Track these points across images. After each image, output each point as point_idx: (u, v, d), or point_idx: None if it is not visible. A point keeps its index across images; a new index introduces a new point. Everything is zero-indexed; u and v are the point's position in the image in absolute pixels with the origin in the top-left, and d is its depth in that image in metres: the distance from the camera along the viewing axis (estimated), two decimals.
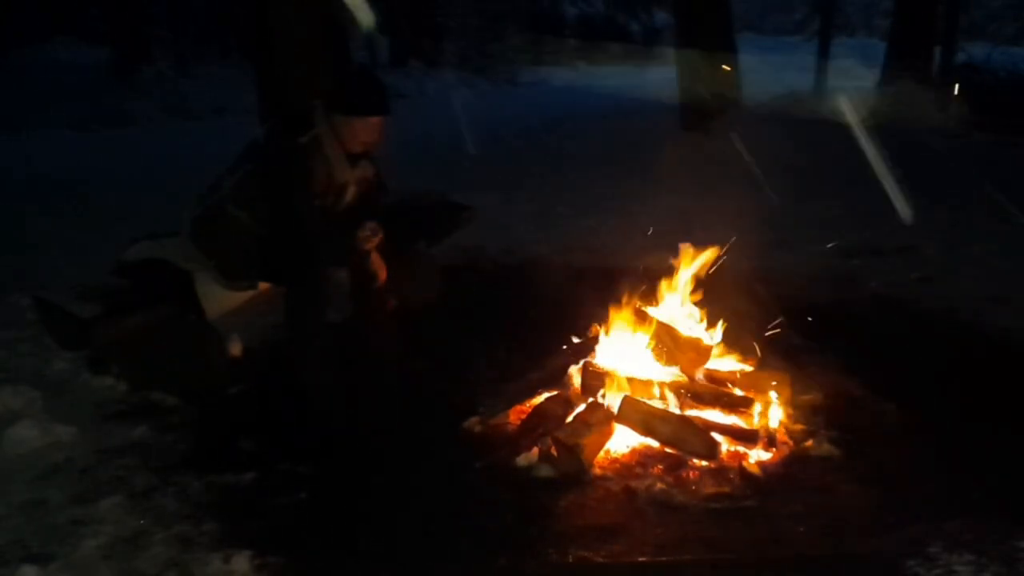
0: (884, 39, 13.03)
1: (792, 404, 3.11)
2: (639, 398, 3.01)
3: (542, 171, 7.45)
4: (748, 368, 3.26)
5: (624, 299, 3.34)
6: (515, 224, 5.87)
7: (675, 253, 3.42)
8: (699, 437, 2.84)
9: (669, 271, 3.41)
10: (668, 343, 3.18)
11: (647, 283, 3.41)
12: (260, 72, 6.20)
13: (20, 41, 15.31)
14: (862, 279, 4.78)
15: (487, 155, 8.42)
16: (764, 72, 12.07)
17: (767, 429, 2.93)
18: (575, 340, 3.39)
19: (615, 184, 7.01)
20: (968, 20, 13.92)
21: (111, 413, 3.27)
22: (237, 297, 3.35)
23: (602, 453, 2.87)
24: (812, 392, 3.22)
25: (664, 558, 2.35)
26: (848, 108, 7.52)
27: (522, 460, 2.85)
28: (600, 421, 2.90)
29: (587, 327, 3.42)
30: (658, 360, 3.21)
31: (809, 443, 2.93)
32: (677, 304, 3.39)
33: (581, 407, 3.02)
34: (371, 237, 3.19)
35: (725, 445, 2.89)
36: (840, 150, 7.93)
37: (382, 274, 3.34)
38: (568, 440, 2.78)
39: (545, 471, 2.79)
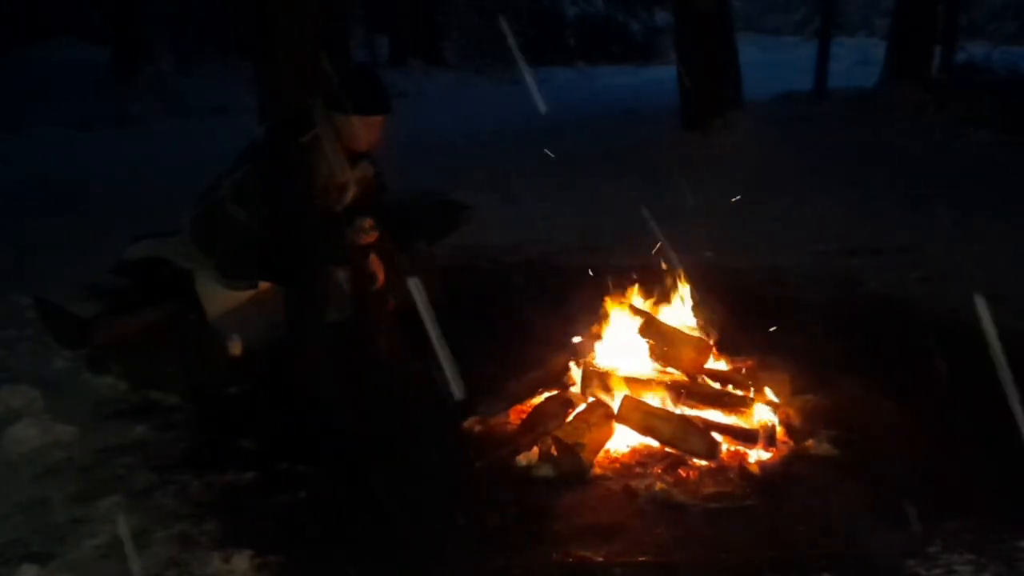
0: (884, 39, 13.01)
1: (792, 404, 3.11)
2: (639, 398, 3.01)
3: (542, 171, 7.44)
4: (747, 367, 3.27)
5: (622, 299, 3.34)
6: (515, 224, 5.86)
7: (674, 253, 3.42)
8: (699, 437, 2.84)
9: (663, 271, 3.41)
10: (668, 342, 3.18)
11: (640, 283, 3.41)
12: (260, 72, 6.21)
13: (20, 40, 15.30)
14: (862, 279, 4.78)
15: (487, 155, 8.42)
16: (764, 72, 12.06)
17: (767, 429, 2.93)
18: (575, 340, 3.39)
19: (615, 184, 7.00)
20: (968, 19, 13.90)
21: (111, 412, 3.27)
22: (237, 297, 3.35)
23: (602, 453, 2.88)
24: (812, 392, 3.22)
25: (664, 558, 2.35)
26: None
27: (522, 460, 2.86)
28: (600, 421, 2.90)
29: (587, 327, 3.42)
30: (658, 359, 3.21)
31: (809, 443, 2.93)
32: (674, 303, 3.39)
33: (581, 407, 3.02)
34: (368, 232, 3.18)
35: (725, 445, 2.89)
36: (840, 150, 7.94)
37: (381, 274, 3.34)
38: (568, 439, 2.78)
39: (545, 470, 2.80)
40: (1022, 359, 3.63)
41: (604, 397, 3.05)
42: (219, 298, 3.33)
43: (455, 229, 4.30)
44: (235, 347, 3.43)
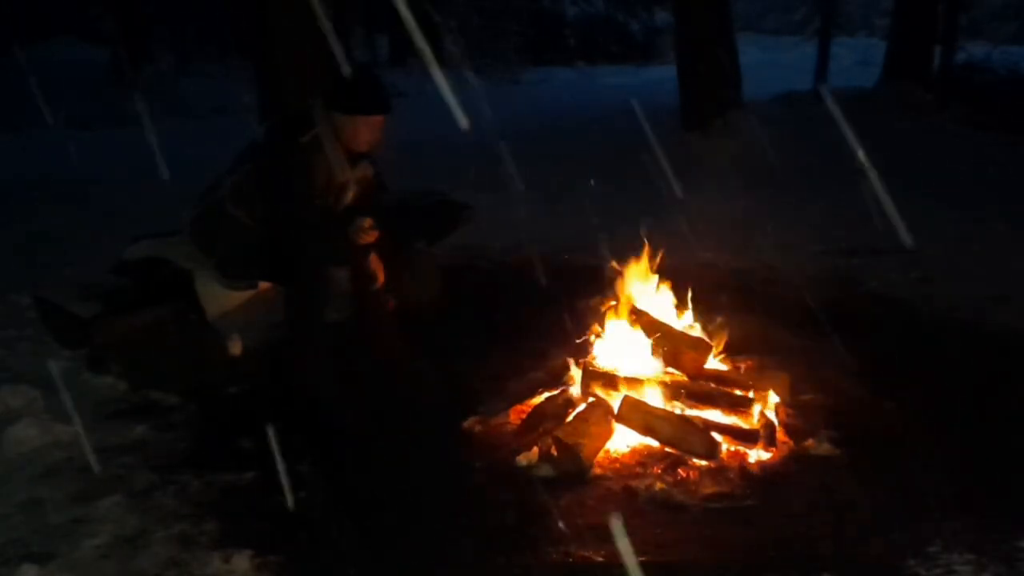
0: (884, 39, 13.02)
1: (792, 404, 3.11)
2: (639, 398, 3.01)
3: (542, 171, 7.44)
4: (747, 367, 3.27)
5: (622, 298, 3.33)
6: (515, 224, 5.86)
7: (673, 252, 3.42)
8: (699, 437, 2.84)
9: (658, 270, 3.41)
10: (668, 342, 3.18)
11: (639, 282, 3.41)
12: (260, 72, 6.21)
13: (20, 40, 15.29)
14: (862, 279, 4.78)
15: (487, 155, 8.41)
16: (764, 72, 12.05)
17: (767, 429, 2.93)
18: (575, 340, 3.39)
19: (615, 184, 7.00)
20: (968, 19, 13.91)
21: (111, 412, 3.27)
22: (237, 297, 3.35)
23: (602, 453, 2.88)
24: (812, 392, 3.22)
25: (664, 558, 2.35)
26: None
27: (522, 460, 2.86)
28: (600, 421, 2.90)
29: (587, 327, 3.42)
30: (658, 359, 3.21)
31: (809, 443, 2.93)
32: (672, 303, 3.39)
33: (581, 407, 3.02)
34: (368, 232, 3.18)
35: (725, 445, 2.89)
36: (840, 150, 7.92)
37: (381, 274, 3.34)
38: (568, 439, 2.78)
39: (545, 470, 2.80)
40: (1021, 358, 3.66)
41: (604, 397, 3.05)
42: (219, 298, 3.33)
43: (455, 229, 4.30)
44: (235, 347, 3.43)
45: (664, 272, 3.38)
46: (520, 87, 15.97)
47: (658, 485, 2.69)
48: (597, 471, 2.79)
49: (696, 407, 3.02)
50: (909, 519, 2.48)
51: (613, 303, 3.32)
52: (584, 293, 3.59)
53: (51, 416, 3.13)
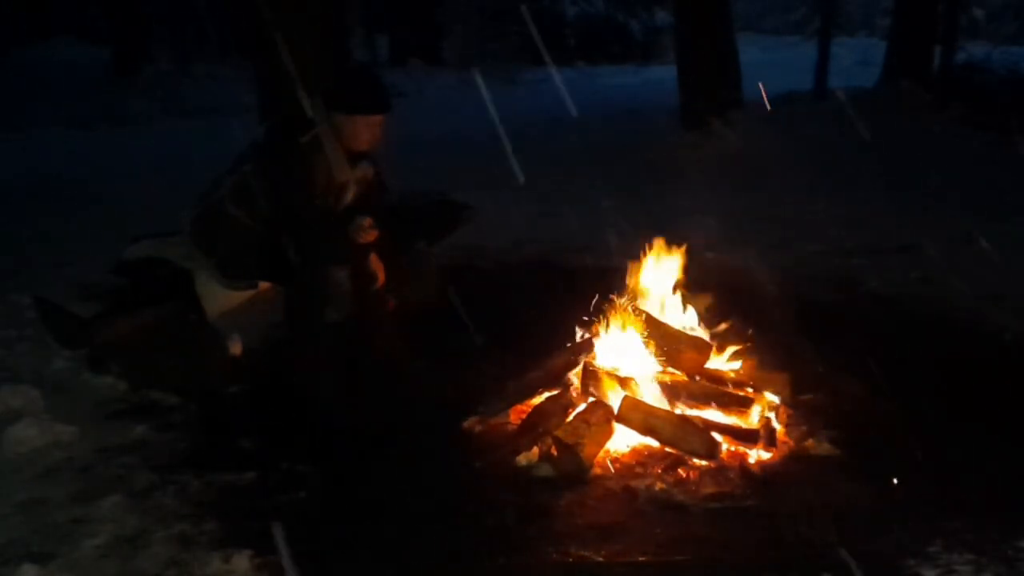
0: (884, 39, 13.01)
1: (792, 404, 3.11)
2: (639, 398, 3.01)
3: (542, 171, 7.44)
4: (747, 367, 3.26)
5: (622, 298, 3.33)
6: (515, 224, 5.86)
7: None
8: (699, 437, 2.84)
9: (657, 268, 3.41)
10: (668, 342, 3.18)
11: (638, 282, 3.40)
12: (260, 72, 6.21)
13: (20, 40, 15.31)
14: (862, 279, 4.78)
15: (487, 155, 8.41)
16: (764, 72, 12.05)
17: (767, 429, 2.92)
18: (575, 340, 3.39)
19: (615, 184, 7.00)
20: (968, 19, 13.91)
21: (111, 412, 3.27)
22: (237, 297, 3.35)
23: (602, 453, 2.87)
24: (812, 392, 3.22)
25: (664, 558, 2.35)
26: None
27: (522, 460, 2.86)
28: (600, 421, 2.90)
29: (587, 326, 3.42)
30: (658, 359, 3.21)
31: (809, 443, 2.93)
32: (674, 302, 3.39)
33: (581, 407, 3.02)
34: (367, 230, 3.18)
35: (725, 445, 2.89)
36: (839, 150, 7.94)
37: (381, 274, 3.34)
38: (568, 439, 2.78)
39: (545, 470, 2.80)
40: (1021, 358, 3.66)
41: (604, 397, 3.05)
42: (219, 298, 3.33)
43: (455, 229, 4.29)
44: (235, 347, 3.43)
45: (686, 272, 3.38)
46: (520, 87, 15.96)
47: (658, 485, 2.69)
48: (597, 471, 2.79)
49: (696, 407, 3.02)
50: (909, 519, 2.48)
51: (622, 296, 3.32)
52: (584, 293, 3.58)
53: (51, 416, 3.13)
